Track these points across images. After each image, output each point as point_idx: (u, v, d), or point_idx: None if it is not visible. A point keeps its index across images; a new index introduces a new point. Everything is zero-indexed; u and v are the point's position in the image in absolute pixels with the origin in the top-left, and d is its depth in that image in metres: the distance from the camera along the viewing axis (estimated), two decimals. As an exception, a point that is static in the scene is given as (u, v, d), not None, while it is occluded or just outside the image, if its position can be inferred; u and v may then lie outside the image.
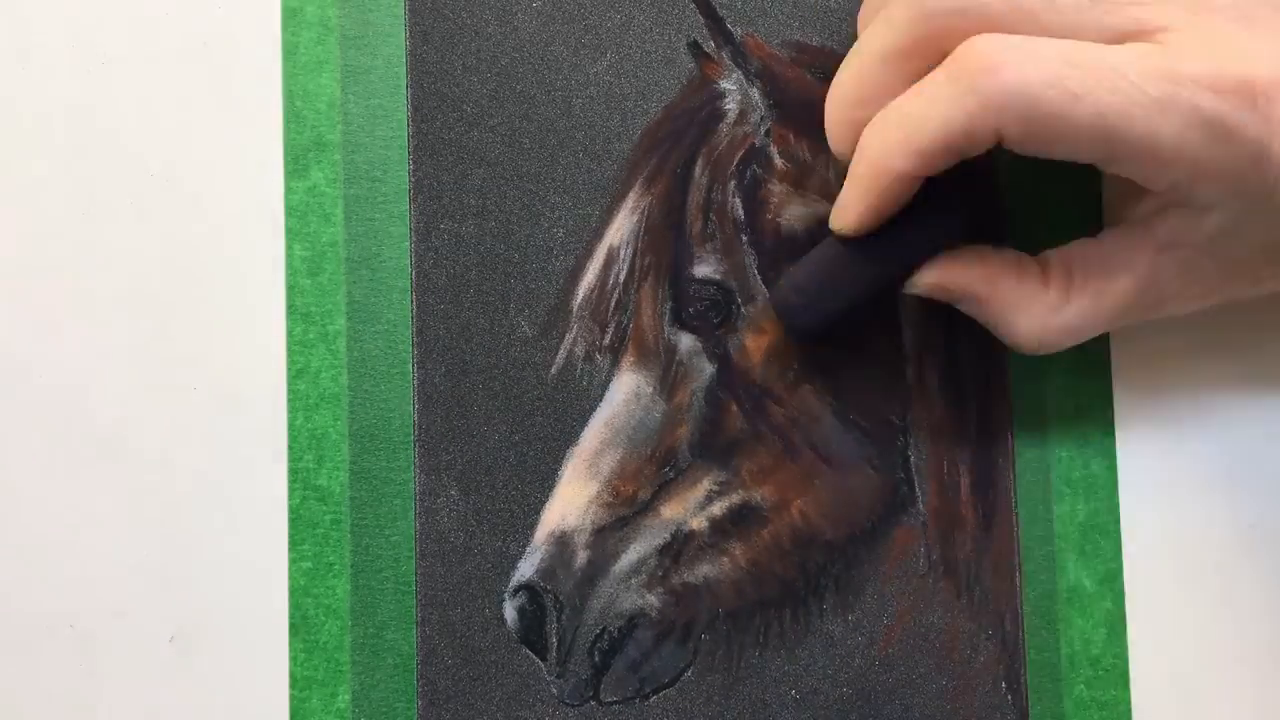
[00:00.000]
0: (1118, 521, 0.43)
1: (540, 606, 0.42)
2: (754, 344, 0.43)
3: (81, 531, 0.41)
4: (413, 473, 0.42)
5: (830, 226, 0.40)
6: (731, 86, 0.43)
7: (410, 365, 0.42)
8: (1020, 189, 0.43)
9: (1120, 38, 0.35)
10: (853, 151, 0.38)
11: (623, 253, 0.43)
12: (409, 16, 0.43)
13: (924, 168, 0.36)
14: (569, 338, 0.43)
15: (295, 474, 0.42)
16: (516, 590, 0.42)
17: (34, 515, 0.41)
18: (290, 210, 0.42)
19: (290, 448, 0.42)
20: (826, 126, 0.40)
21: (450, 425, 0.42)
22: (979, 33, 0.35)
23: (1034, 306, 0.39)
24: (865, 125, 0.38)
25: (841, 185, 0.39)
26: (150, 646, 0.41)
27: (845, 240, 0.39)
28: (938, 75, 0.36)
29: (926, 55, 0.37)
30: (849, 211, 0.38)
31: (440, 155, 0.43)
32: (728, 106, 0.43)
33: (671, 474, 0.42)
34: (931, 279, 0.40)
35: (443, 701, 0.42)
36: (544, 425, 0.42)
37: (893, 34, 0.37)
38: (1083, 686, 0.42)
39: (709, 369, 0.43)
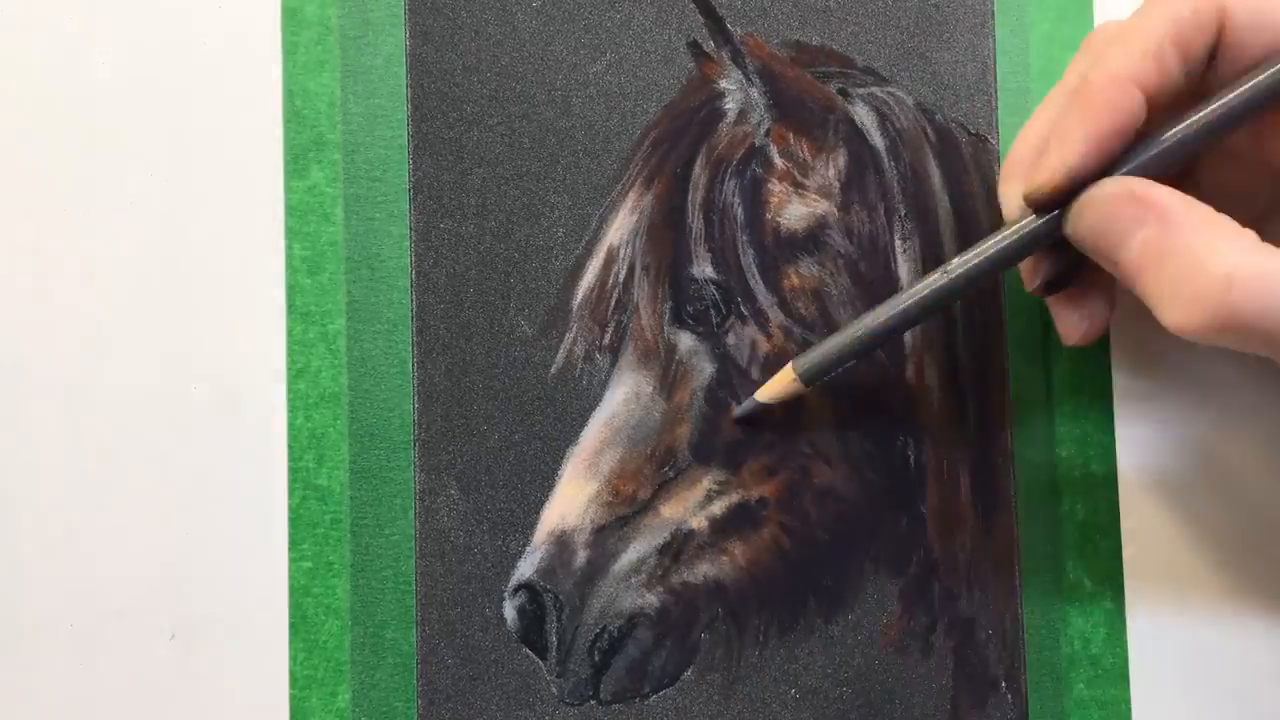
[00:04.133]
0: (1118, 521, 0.43)
1: (540, 606, 0.42)
2: (754, 343, 0.43)
3: (81, 531, 0.41)
4: (413, 472, 0.42)
5: (1026, 192, 0.36)
6: (731, 86, 0.43)
7: (410, 365, 0.42)
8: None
9: None
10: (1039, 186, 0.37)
11: (623, 252, 0.43)
12: (409, 16, 0.43)
13: (1154, 73, 0.35)
14: (569, 337, 0.43)
15: (295, 474, 0.42)
16: (516, 589, 0.42)
17: (34, 515, 0.41)
18: (290, 210, 0.42)
19: (290, 447, 0.42)
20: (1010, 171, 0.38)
21: (450, 425, 0.42)
22: None
23: (1232, 238, 0.33)
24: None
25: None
26: (150, 646, 0.41)
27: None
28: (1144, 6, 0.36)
29: None
30: (1065, 151, 0.35)
31: (440, 155, 0.43)
32: (727, 106, 0.43)
33: (671, 473, 0.42)
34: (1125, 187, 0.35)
35: (443, 701, 0.42)
36: (544, 425, 0.42)
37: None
38: (1083, 686, 0.42)
39: (709, 368, 0.43)
